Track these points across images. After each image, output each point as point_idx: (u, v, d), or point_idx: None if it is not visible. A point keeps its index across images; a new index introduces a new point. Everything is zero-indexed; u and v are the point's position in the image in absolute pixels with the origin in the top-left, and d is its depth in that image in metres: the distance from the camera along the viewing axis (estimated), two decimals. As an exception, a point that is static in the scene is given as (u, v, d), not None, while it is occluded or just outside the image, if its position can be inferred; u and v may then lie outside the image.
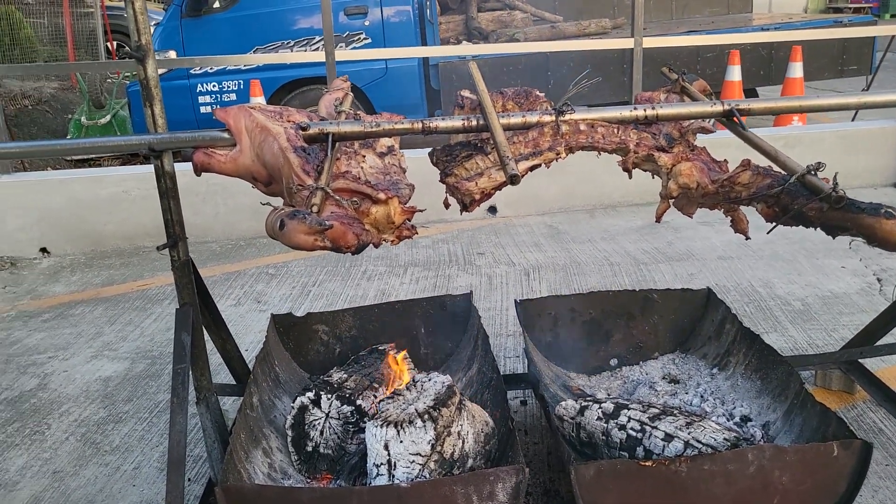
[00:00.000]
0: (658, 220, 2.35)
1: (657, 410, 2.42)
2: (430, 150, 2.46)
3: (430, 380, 2.41)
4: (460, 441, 2.28)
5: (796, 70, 6.66)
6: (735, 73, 6.66)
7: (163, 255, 5.66)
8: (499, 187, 2.21)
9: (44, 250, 5.80)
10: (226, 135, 2.30)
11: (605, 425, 2.48)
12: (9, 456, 3.20)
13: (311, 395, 2.60)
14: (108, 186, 5.62)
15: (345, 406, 2.58)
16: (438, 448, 2.21)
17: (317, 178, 2.06)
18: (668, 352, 3.30)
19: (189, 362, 2.46)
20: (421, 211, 2.17)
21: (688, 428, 2.30)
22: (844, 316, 4.08)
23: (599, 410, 2.52)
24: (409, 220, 2.11)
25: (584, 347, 3.27)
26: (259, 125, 2.25)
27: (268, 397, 2.78)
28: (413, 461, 2.19)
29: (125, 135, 7.56)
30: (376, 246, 2.07)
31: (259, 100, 6.44)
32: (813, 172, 1.93)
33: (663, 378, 3.13)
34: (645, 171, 2.34)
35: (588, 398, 2.63)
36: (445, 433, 2.23)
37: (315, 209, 1.85)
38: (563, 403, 2.60)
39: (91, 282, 5.20)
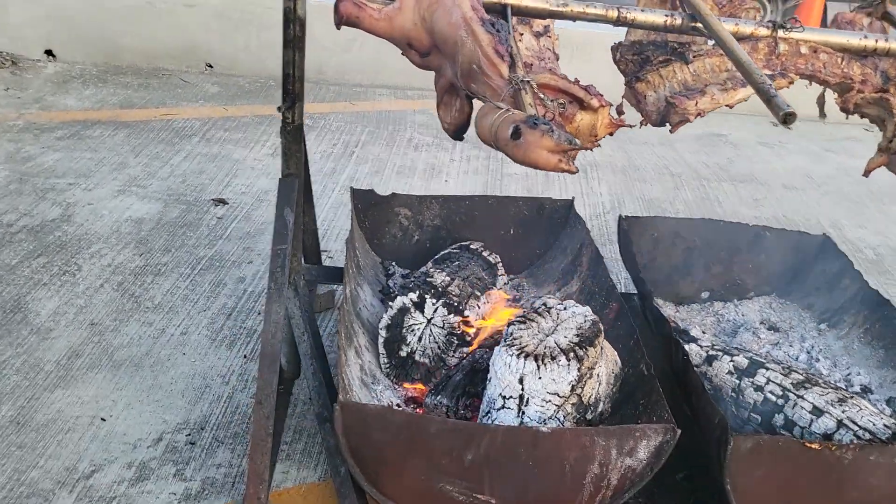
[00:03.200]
0: (867, 174, 2.04)
1: (800, 377, 2.21)
2: (614, 43, 2.07)
3: (565, 308, 2.13)
4: (597, 383, 2.04)
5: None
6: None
7: (186, 81, 5.17)
8: (711, 110, 1.86)
9: (49, 53, 5.23)
10: (386, -14, 1.87)
11: (738, 381, 2.26)
12: (38, 296, 2.88)
13: (413, 296, 2.32)
14: (131, -7, 5.01)
15: (452, 315, 2.31)
16: (578, 390, 1.97)
17: (512, 66, 1.68)
18: (765, 294, 3.08)
19: (290, 243, 2.13)
20: (630, 126, 1.82)
21: (840, 405, 2.09)
22: (919, 273, 3.91)
23: (731, 364, 2.30)
24: (612, 135, 1.77)
25: (679, 275, 3.02)
26: (433, -18, 1.83)
27: (353, 286, 2.49)
28: (549, 401, 1.94)
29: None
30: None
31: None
32: None
33: (761, 323, 2.92)
34: (864, 116, 2.01)
35: (716, 348, 2.40)
36: (588, 375, 1.98)
37: (531, 110, 1.49)
38: (685, 348, 2.37)
39: (107, 100, 4.71)
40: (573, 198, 2.97)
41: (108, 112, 4.53)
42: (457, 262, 2.62)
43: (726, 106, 1.83)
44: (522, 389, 1.95)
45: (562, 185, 4.31)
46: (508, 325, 2.09)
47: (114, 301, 2.90)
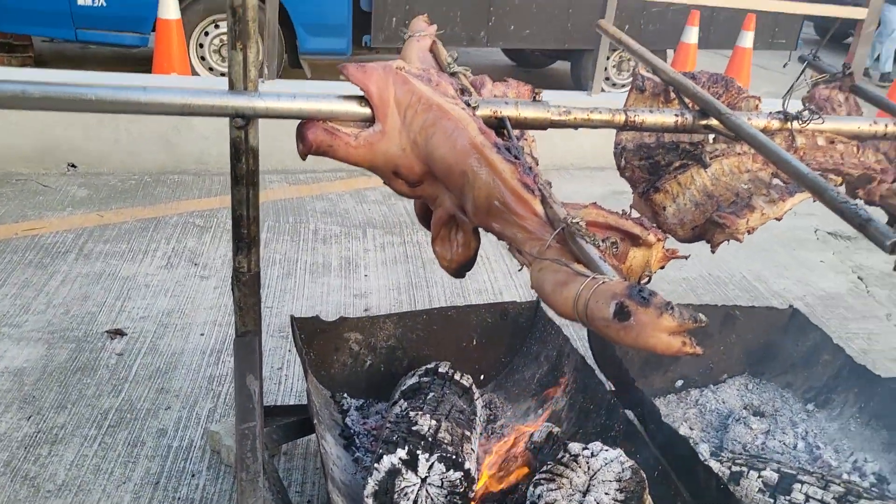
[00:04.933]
0: (898, 268, 1.89)
1: (840, 489, 2.01)
2: (615, 149, 1.83)
3: (593, 455, 1.84)
4: (647, 543, 1.75)
5: (747, 39, 6.45)
6: (692, 35, 6.33)
7: (46, 186, 4.54)
8: (761, 225, 1.65)
9: None
10: (362, 108, 1.55)
11: (772, 501, 2.04)
12: None
13: (403, 453, 1.95)
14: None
15: (451, 471, 1.96)
16: (633, 558, 1.67)
17: (545, 201, 1.39)
18: (737, 374, 2.92)
19: (259, 418, 1.72)
20: (685, 258, 1.57)
21: (895, 519, 1.91)
22: (850, 322, 3.91)
23: (760, 481, 2.08)
24: (663, 268, 1.51)
25: (651, 367, 2.82)
26: (424, 101, 1.52)
27: (323, 446, 2.09)
28: (603, 578, 1.63)
29: None
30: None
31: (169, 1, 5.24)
32: None
33: (745, 408, 2.76)
34: (884, 207, 1.86)
35: (738, 462, 2.17)
36: (641, 538, 1.69)
37: (606, 266, 1.20)
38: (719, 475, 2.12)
39: (-47, 218, 4.03)
40: (538, 299, 2.70)
41: (-44, 233, 3.87)
42: (432, 395, 2.27)
43: (775, 219, 1.63)
44: (571, 569, 1.64)
45: (488, 268, 4.05)
46: (534, 484, 1.77)
47: (3, 490, 2.34)
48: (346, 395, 2.56)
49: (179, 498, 2.36)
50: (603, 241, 1.34)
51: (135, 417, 2.69)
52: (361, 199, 4.79)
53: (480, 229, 1.60)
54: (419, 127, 1.53)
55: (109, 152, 4.70)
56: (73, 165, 4.70)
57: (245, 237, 1.69)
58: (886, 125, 1.85)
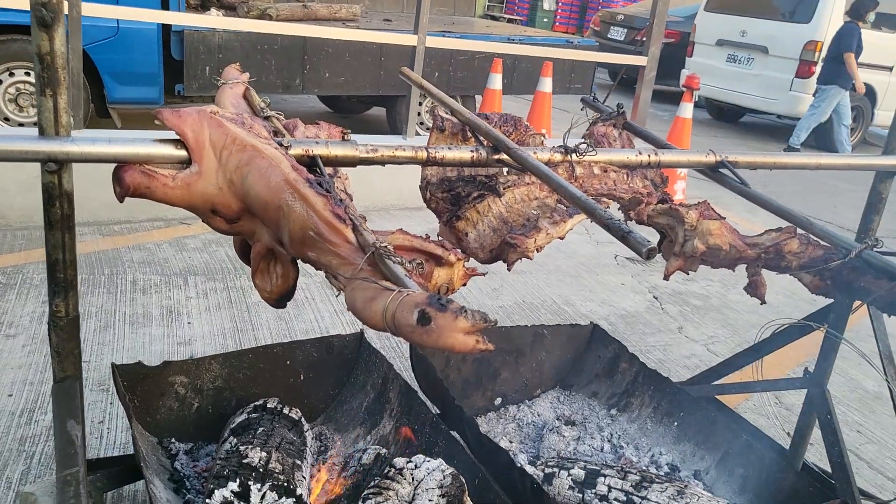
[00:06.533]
0: (667, 278, 2.18)
1: (636, 477, 2.26)
2: (421, 183, 2.00)
3: (417, 466, 1.97)
4: (470, 542, 1.89)
5: (546, 84, 7.01)
6: (496, 82, 6.78)
7: None
8: (547, 244, 1.86)
9: None
10: (178, 150, 1.62)
11: (581, 495, 2.26)
12: None
13: (234, 486, 1.99)
14: None
15: (284, 498, 2.02)
16: (458, 558, 1.81)
17: (356, 229, 1.53)
18: (550, 389, 3.18)
19: (82, 463, 1.71)
20: (483, 274, 1.74)
21: (681, 499, 2.17)
22: (648, 336, 4.33)
23: (570, 479, 2.29)
24: (465, 285, 1.68)
25: (472, 387, 3.01)
26: (239, 142, 1.61)
27: (153, 492, 2.08)
28: (431, 579, 1.76)
29: None
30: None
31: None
32: (872, 248, 1.91)
33: (557, 419, 3.00)
34: (655, 226, 2.15)
35: (550, 465, 2.38)
36: (464, 538, 1.83)
37: (412, 281, 1.35)
38: (533, 476, 2.32)
39: None
40: (362, 330, 2.82)
41: None
42: (261, 429, 2.32)
43: (558, 238, 1.85)
44: (401, 574, 1.75)
45: (314, 307, 4.12)
46: (363, 499, 1.87)
47: None
48: (173, 439, 2.54)
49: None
50: (410, 262, 1.49)
51: (-63, 487, 2.51)
52: (181, 247, 4.71)
53: (299, 260, 1.71)
54: (234, 166, 1.62)
55: None
56: None
57: (62, 281, 1.69)
58: (649, 155, 2.16)
